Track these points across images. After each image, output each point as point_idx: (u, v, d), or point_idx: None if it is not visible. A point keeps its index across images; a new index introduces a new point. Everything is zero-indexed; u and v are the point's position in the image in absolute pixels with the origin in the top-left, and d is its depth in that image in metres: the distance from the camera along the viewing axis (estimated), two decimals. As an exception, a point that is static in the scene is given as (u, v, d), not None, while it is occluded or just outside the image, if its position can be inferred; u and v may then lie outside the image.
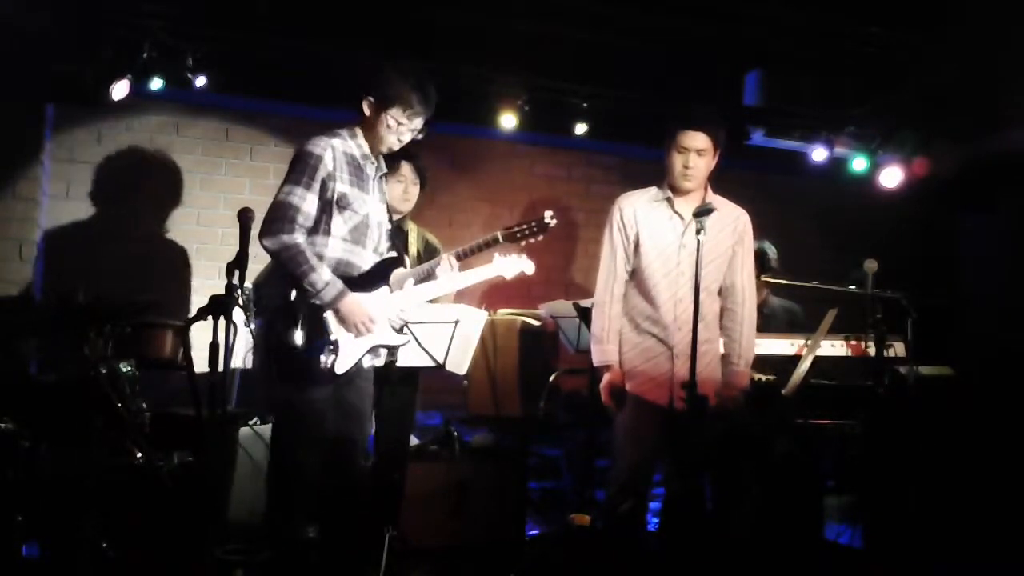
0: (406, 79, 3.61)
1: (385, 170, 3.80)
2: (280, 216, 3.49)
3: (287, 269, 3.49)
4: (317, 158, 3.54)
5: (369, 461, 3.93)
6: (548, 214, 4.36)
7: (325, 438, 3.60)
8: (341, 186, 3.57)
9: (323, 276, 3.49)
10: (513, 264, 4.26)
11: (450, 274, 4.21)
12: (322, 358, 3.51)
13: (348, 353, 3.57)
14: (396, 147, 3.70)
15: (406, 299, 3.76)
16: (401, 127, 3.63)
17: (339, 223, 3.58)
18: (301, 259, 3.46)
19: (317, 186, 3.53)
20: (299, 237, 3.49)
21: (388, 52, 5.00)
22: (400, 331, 3.74)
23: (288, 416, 3.61)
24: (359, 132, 3.69)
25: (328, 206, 3.55)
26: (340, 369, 3.55)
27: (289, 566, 3.59)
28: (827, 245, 6.74)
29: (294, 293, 3.50)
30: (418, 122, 3.66)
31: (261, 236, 3.50)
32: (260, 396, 4.72)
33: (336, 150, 3.58)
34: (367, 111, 3.64)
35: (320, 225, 3.56)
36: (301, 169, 3.54)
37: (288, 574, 3.59)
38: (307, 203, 3.52)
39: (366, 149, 3.68)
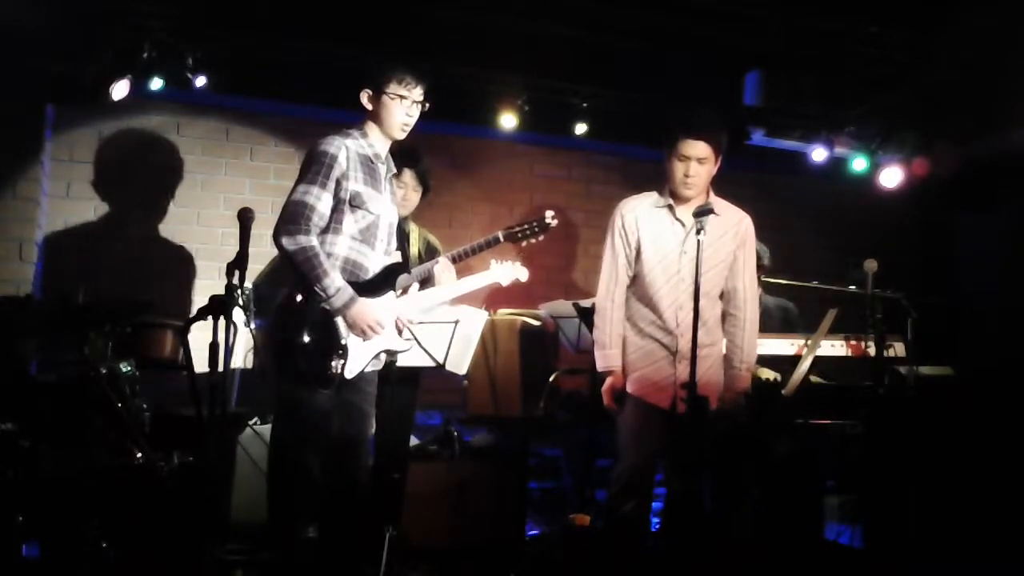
0: (389, 58, 3.67)
1: (395, 171, 3.83)
2: (297, 216, 3.50)
3: (299, 270, 3.50)
4: (332, 157, 3.55)
5: (369, 461, 3.93)
6: (549, 214, 4.35)
7: (327, 438, 3.61)
8: (355, 185, 3.59)
9: (335, 282, 3.50)
10: (509, 271, 4.34)
11: (448, 275, 4.23)
12: (332, 363, 3.52)
13: (356, 358, 3.59)
14: (409, 124, 3.68)
15: (410, 304, 3.78)
16: (404, 100, 3.64)
17: (350, 222, 3.60)
18: (316, 262, 3.48)
19: (332, 185, 3.55)
20: (314, 239, 3.51)
21: (388, 52, 5.01)
22: (402, 334, 3.75)
23: (290, 415, 3.61)
24: (368, 131, 3.70)
25: (340, 204, 3.57)
26: (349, 374, 3.57)
27: (289, 566, 3.59)
28: (827, 245, 6.74)
29: (305, 295, 3.51)
30: (418, 92, 3.66)
31: (277, 235, 3.51)
32: (260, 396, 4.72)
33: (350, 150, 3.60)
34: (368, 103, 3.67)
35: (330, 224, 3.58)
36: (316, 169, 3.55)
37: (288, 574, 3.59)
38: (322, 203, 3.54)
39: (377, 148, 3.71)
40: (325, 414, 3.58)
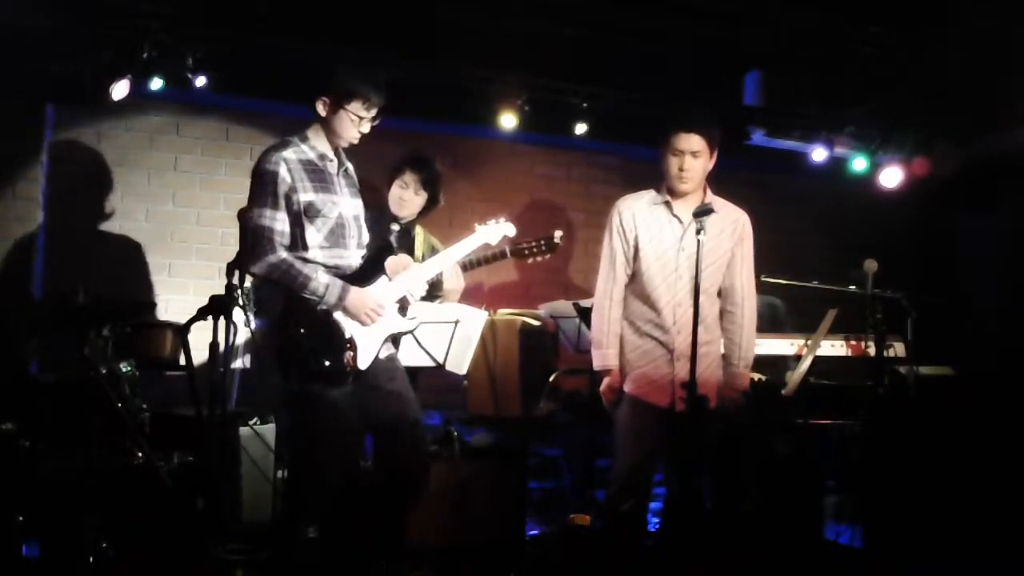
0: (357, 73, 3.60)
1: (348, 164, 3.74)
2: (259, 239, 3.48)
3: (282, 285, 3.48)
4: (273, 174, 3.50)
5: (426, 443, 3.92)
6: (558, 234, 4.36)
7: (378, 428, 3.65)
8: (305, 195, 3.53)
9: (321, 281, 3.48)
10: (496, 230, 4.25)
11: (456, 283, 4.19)
12: (344, 358, 3.51)
13: (366, 347, 3.57)
14: (357, 140, 3.66)
15: (410, 279, 3.74)
16: (363, 121, 3.61)
17: (312, 232, 3.55)
18: (293, 272, 3.46)
19: (282, 202, 3.51)
20: (283, 253, 3.49)
21: (388, 52, 5.02)
22: (406, 314, 3.72)
23: (307, 416, 3.57)
24: (311, 135, 3.64)
25: (298, 219, 3.53)
26: (363, 364, 3.55)
27: (289, 566, 3.59)
28: (827, 245, 6.74)
29: (300, 299, 3.50)
30: (375, 111, 3.62)
31: (246, 266, 3.50)
32: (260, 396, 4.72)
33: (289, 161, 3.54)
34: (323, 111, 3.60)
35: (296, 240, 3.54)
36: (263, 189, 3.51)
37: (288, 574, 3.59)
38: (279, 222, 3.50)
39: (322, 149, 3.64)
40: (340, 411, 3.54)
